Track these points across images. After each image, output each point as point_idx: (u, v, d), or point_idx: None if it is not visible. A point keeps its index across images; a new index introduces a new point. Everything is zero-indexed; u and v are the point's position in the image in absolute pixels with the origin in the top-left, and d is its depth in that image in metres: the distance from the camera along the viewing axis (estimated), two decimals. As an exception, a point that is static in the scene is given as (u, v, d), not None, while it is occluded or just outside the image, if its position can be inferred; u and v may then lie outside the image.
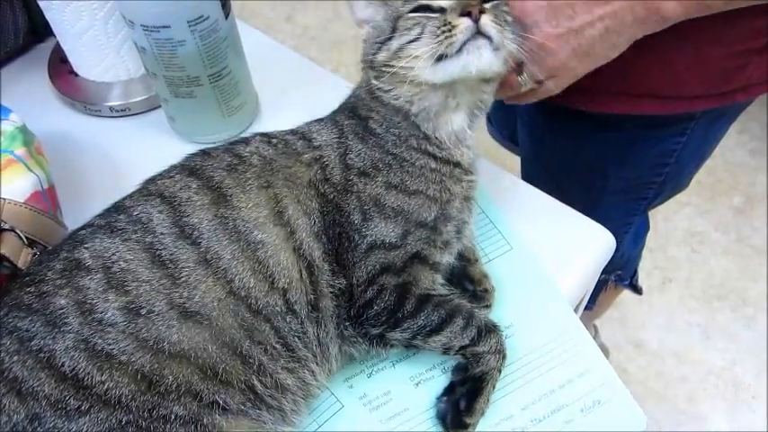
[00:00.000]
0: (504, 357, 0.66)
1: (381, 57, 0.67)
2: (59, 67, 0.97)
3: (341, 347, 0.67)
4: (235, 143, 0.71)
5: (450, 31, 0.62)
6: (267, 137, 0.71)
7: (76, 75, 0.95)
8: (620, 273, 1.41)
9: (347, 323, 0.66)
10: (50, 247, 0.69)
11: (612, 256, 0.82)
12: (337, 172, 0.67)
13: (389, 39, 0.66)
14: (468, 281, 0.72)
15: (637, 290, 1.50)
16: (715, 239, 2.09)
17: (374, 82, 0.69)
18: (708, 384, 1.81)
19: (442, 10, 0.64)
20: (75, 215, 0.72)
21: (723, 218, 2.13)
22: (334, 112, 0.74)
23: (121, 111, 0.93)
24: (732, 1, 0.65)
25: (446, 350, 0.66)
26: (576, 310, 0.77)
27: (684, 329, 1.91)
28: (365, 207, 0.66)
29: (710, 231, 2.11)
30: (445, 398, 0.66)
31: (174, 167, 0.68)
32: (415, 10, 0.66)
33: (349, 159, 0.68)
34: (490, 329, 0.66)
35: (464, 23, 0.62)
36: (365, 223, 0.66)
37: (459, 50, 0.62)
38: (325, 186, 0.67)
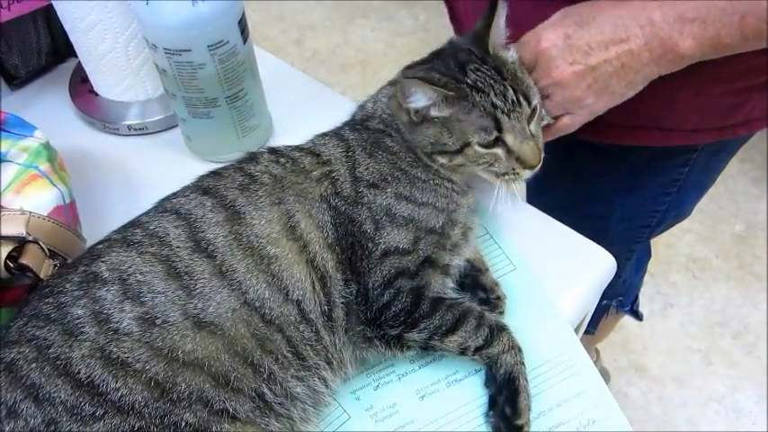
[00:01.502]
0: (519, 351, 0.69)
1: (442, 161, 0.72)
2: (80, 87, 1.01)
3: (354, 352, 0.69)
4: (243, 161, 0.74)
5: (516, 175, 0.72)
6: (276, 154, 0.74)
7: (96, 94, 0.99)
8: (622, 299, 1.43)
9: (365, 326, 0.68)
10: (70, 260, 0.71)
11: (614, 283, 0.84)
12: (347, 185, 0.70)
13: (454, 154, 0.71)
14: (481, 289, 0.75)
15: (637, 316, 1.52)
16: (716, 266, 2.11)
17: (412, 141, 0.73)
18: (709, 410, 1.82)
19: (508, 150, 0.70)
20: (94, 229, 0.75)
21: (724, 245, 2.15)
22: (339, 128, 0.78)
23: (139, 129, 0.96)
24: (748, 41, 0.66)
25: (462, 351, 0.69)
26: (576, 331, 0.79)
27: (686, 355, 1.92)
28: (377, 217, 0.69)
29: (712, 258, 2.13)
30: (491, 412, 0.68)
31: (188, 188, 0.71)
32: (482, 145, 0.70)
33: (358, 173, 0.71)
34: (501, 328, 0.69)
35: (527, 174, 0.72)
36: (378, 232, 0.69)
37: None
38: (337, 200, 0.70)
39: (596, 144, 0.90)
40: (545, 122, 0.75)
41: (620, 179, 1.00)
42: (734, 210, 2.23)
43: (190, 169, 0.74)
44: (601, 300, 0.85)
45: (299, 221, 0.67)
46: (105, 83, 0.96)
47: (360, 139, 0.74)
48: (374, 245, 0.69)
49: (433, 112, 0.70)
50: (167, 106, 0.97)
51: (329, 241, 0.68)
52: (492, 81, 0.69)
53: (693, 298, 2.04)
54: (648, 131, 0.88)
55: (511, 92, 0.69)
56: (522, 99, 0.69)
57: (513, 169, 0.71)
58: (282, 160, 0.72)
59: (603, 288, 0.82)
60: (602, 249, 0.82)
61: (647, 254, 1.38)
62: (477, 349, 0.68)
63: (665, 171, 0.97)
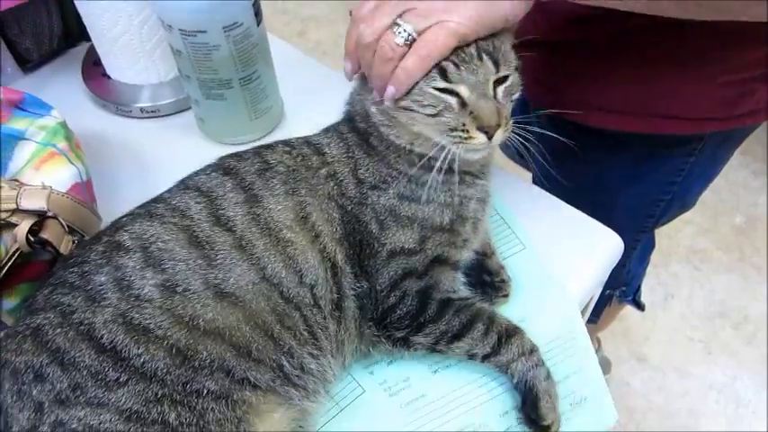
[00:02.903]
0: (532, 354, 0.68)
1: (387, 104, 0.67)
2: (93, 70, 1.02)
3: (358, 347, 0.70)
4: (261, 148, 0.74)
5: (466, 137, 0.64)
6: (289, 146, 0.74)
7: (109, 77, 1.00)
8: (625, 289, 1.44)
9: (371, 324, 0.69)
10: (87, 237, 0.73)
11: (618, 272, 0.85)
12: (351, 187, 0.70)
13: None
14: (486, 273, 0.76)
15: (639, 306, 1.54)
16: (717, 258, 2.13)
17: (374, 112, 0.70)
18: (709, 399, 1.84)
19: (462, 103, 0.64)
20: (107, 210, 0.77)
21: (725, 237, 2.17)
22: (339, 123, 0.76)
23: (151, 112, 0.97)
24: None
25: (470, 357, 0.69)
26: (583, 312, 0.80)
27: (686, 345, 1.94)
28: (381, 217, 0.69)
29: (712, 250, 2.15)
30: (521, 410, 0.69)
31: (209, 166, 0.72)
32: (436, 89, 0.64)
33: (360, 174, 0.71)
34: (511, 334, 0.68)
35: (480, 139, 0.64)
36: (383, 232, 0.69)
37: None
38: (343, 200, 0.70)
39: (603, 131, 0.91)
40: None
41: (626, 167, 1.01)
42: (734, 202, 2.25)
43: (202, 151, 0.75)
44: (604, 289, 0.86)
45: (311, 213, 0.68)
46: (118, 66, 0.97)
47: (355, 139, 0.73)
48: (380, 245, 0.69)
49: None
50: (179, 89, 0.98)
51: (337, 236, 0.69)
52: None
53: (694, 289, 2.06)
54: (655, 119, 0.89)
55: (473, 47, 0.63)
56: (485, 56, 0.63)
57: (464, 125, 0.64)
58: (294, 153, 0.72)
59: (611, 268, 0.83)
60: (610, 230, 0.83)
61: (650, 244, 1.40)
62: (485, 357, 0.68)
63: (671, 160, 0.98)
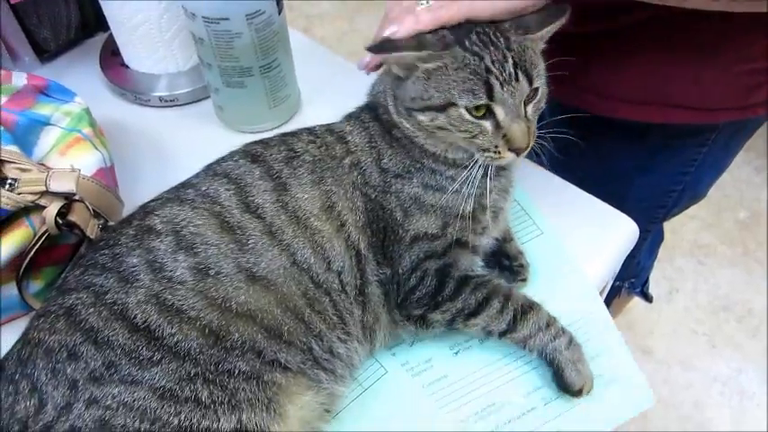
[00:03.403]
0: (550, 327, 0.69)
1: (422, 118, 0.67)
2: (111, 60, 1.03)
3: (384, 333, 0.71)
4: (286, 136, 0.75)
5: (497, 157, 0.67)
6: (313, 134, 0.74)
7: (127, 67, 1.01)
8: (634, 281, 1.46)
9: (395, 309, 0.70)
10: (111, 222, 0.74)
11: (628, 263, 0.86)
12: (375, 176, 0.71)
13: (438, 112, 0.66)
14: (505, 257, 0.77)
15: (647, 298, 1.55)
16: (721, 252, 2.14)
17: (407, 126, 0.70)
18: (713, 392, 1.85)
19: (497, 125, 0.65)
20: (127, 195, 0.78)
21: (729, 231, 2.18)
22: (360, 110, 0.76)
23: (170, 101, 0.98)
24: None
25: (488, 334, 0.70)
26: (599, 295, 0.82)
27: (691, 338, 1.95)
28: (405, 205, 0.70)
29: (716, 244, 2.16)
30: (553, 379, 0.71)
31: (236, 153, 0.73)
32: (470, 110, 0.65)
33: (383, 164, 0.72)
34: (527, 310, 0.69)
35: (509, 158, 0.67)
36: (407, 219, 0.70)
37: None
38: (367, 188, 0.71)
39: (617, 121, 0.92)
40: None
41: (640, 158, 1.02)
42: (738, 197, 2.26)
43: (220, 140, 0.76)
44: (614, 281, 0.87)
45: (336, 203, 0.69)
46: (137, 55, 0.98)
47: (377, 129, 0.74)
48: (404, 231, 0.70)
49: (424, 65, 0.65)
50: (196, 79, 0.99)
51: (360, 224, 0.70)
52: (493, 47, 0.64)
53: (698, 283, 2.07)
54: (672, 109, 0.90)
55: (511, 63, 0.63)
56: (521, 75, 0.64)
57: (496, 147, 0.66)
58: (318, 141, 0.73)
59: (627, 253, 0.84)
60: (625, 216, 0.84)
61: (659, 237, 1.41)
62: (502, 334, 0.69)
63: (684, 150, 0.99)
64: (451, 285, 0.69)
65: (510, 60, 0.63)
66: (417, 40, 0.65)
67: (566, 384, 0.68)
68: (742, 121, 0.93)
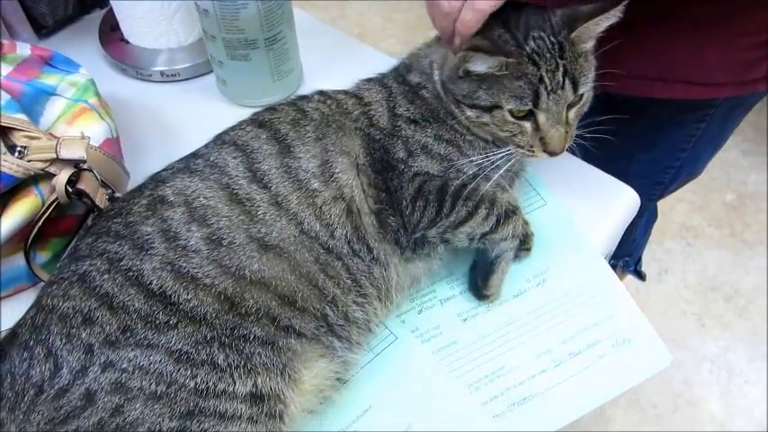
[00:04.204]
0: (518, 239, 0.73)
1: (469, 114, 0.70)
2: (110, 36, 1.02)
3: (405, 274, 0.72)
4: (297, 99, 0.76)
5: (530, 154, 0.70)
6: (324, 95, 0.76)
7: (127, 42, 1.00)
8: (628, 259, 1.48)
9: (408, 249, 0.72)
10: (118, 193, 0.74)
11: (624, 241, 0.87)
12: (384, 119, 0.72)
13: (485, 112, 0.69)
14: None
15: (640, 276, 1.57)
16: (709, 234, 2.17)
17: (443, 95, 0.72)
18: (703, 369, 1.88)
19: (536, 128, 0.68)
20: (130, 169, 0.78)
21: (716, 213, 2.22)
22: (383, 75, 0.79)
23: (171, 76, 0.98)
24: None
25: (470, 240, 0.72)
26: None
27: (680, 318, 1.98)
28: (411, 148, 0.71)
29: (704, 226, 2.19)
30: (471, 271, 0.76)
31: (244, 122, 0.73)
32: (513, 113, 0.68)
33: (398, 111, 0.73)
34: (509, 215, 0.72)
35: (542, 157, 0.70)
36: (411, 158, 0.71)
37: None
38: (371, 129, 0.71)
39: (619, 98, 0.93)
40: None
41: (641, 134, 1.03)
42: (725, 180, 2.30)
43: (223, 114, 0.76)
44: (609, 260, 0.89)
45: (332, 154, 0.69)
46: (139, 30, 0.97)
47: (401, 89, 0.75)
48: (407, 167, 0.70)
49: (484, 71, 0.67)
50: (197, 54, 0.98)
51: (359, 162, 0.70)
52: (548, 55, 0.65)
53: (687, 264, 2.10)
54: (675, 84, 0.91)
55: (561, 72, 0.65)
56: (568, 83, 0.66)
57: (532, 147, 0.69)
58: (329, 101, 0.74)
59: (628, 224, 0.86)
60: (627, 186, 0.85)
61: (653, 216, 1.43)
62: (483, 235, 0.71)
63: (683, 126, 1.01)
64: (449, 202, 0.70)
65: (561, 69, 0.66)
66: (491, 43, 0.65)
67: (486, 284, 0.73)
68: (740, 96, 0.95)
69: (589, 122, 0.76)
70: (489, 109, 0.68)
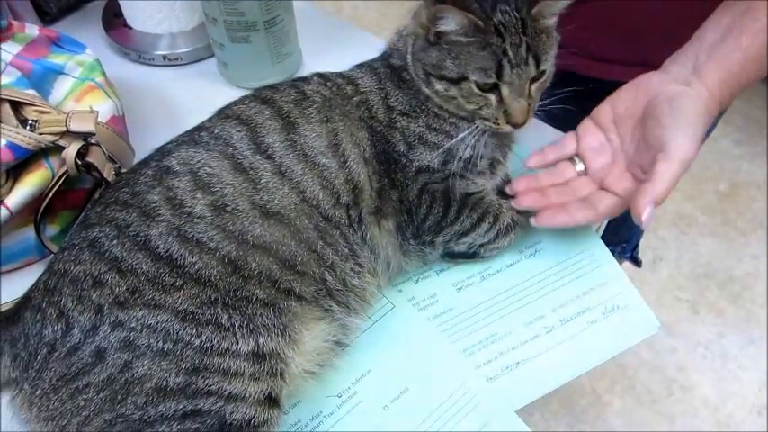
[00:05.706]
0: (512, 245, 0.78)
1: (438, 87, 0.72)
2: (113, 22, 1.05)
3: (393, 264, 0.75)
4: (297, 80, 0.78)
5: (495, 126, 0.73)
6: (323, 78, 0.78)
7: (130, 27, 1.03)
8: (625, 245, 1.50)
9: (411, 240, 0.75)
10: (125, 170, 0.76)
11: (621, 227, 0.89)
12: (382, 112, 0.75)
13: (452, 84, 0.71)
14: (504, 197, 0.80)
15: (637, 262, 1.59)
16: (702, 222, 2.21)
17: (412, 71, 0.75)
18: (696, 355, 1.91)
19: (500, 101, 0.71)
20: (135, 149, 0.81)
21: (709, 202, 2.25)
22: (372, 60, 0.81)
23: (173, 60, 1.01)
24: None
25: (469, 248, 0.77)
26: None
27: (674, 304, 2.02)
28: (409, 140, 0.74)
29: (698, 215, 2.23)
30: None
31: (246, 97, 0.76)
32: (479, 85, 0.70)
33: (390, 103, 0.76)
34: (508, 231, 0.76)
35: (506, 129, 0.73)
36: (411, 151, 0.74)
37: None
38: (373, 122, 0.75)
39: (610, 83, 0.96)
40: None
41: None
42: (718, 169, 2.33)
43: (224, 96, 0.78)
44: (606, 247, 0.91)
45: (342, 139, 0.72)
46: (141, 14, 1.00)
47: (387, 74, 0.78)
48: (408, 161, 0.74)
49: (454, 37, 0.70)
50: (198, 38, 1.01)
51: (366, 155, 0.73)
52: (513, 30, 0.67)
53: (681, 252, 2.13)
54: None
55: (524, 47, 0.68)
56: (531, 59, 0.68)
57: (496, 119, 0.72)
58: (329, 84, 0.77)
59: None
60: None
61: (650, 202, 1.44)
62: (481, 245, 0.77)
63: None
64: (455, 207, 0.74)
65: (524, 45, 0.68)
66: (475, 8, 0.67)
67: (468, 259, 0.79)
68: None
69: (578, 109, 0.79)
70: (457, 81, 0.71)
